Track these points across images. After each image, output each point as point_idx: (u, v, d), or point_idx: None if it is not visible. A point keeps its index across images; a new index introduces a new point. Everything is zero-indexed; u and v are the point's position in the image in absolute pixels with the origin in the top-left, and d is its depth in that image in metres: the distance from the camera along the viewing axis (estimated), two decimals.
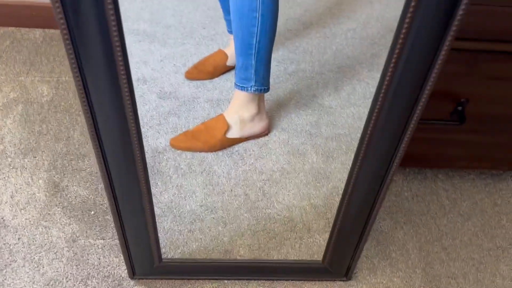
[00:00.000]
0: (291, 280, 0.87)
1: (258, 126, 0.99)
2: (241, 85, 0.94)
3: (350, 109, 1.18)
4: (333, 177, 1.04)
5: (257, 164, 1.04)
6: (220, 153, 1.04)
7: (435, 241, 0.94)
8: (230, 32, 1.07)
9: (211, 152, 1.00)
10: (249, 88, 0.93)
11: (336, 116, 1.15)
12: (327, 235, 0.88)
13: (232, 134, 1.00)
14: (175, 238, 0.91)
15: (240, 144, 1.06)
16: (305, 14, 1.29)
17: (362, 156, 0.65)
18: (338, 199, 0.77)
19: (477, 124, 0.84)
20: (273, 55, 1.01)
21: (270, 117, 1.08)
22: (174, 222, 0.93)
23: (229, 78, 1.16)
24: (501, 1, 0.63)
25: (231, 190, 0.99)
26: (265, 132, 1.02)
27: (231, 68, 1.17)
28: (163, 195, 0.97)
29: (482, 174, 1.06)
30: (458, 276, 0.90)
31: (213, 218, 0.94)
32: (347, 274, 0.86)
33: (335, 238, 0.79)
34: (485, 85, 0.75)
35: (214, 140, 0.99)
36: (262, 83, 0.93)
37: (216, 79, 1.17)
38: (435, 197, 1.01)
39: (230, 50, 1.15)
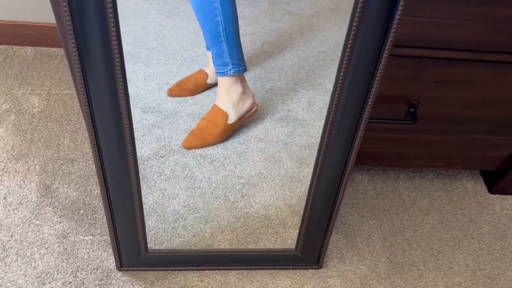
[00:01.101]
0: (268, 269, 0.94)
1: (247, 102, 1.08)
2: (221, 71, 1.01)
3: (322, 121, 1.26)
4: (305, 180, 1.12)
5: (236, 169, 1.12)
6: (201, 160, 1.12)
7: (398, 233, 1.03)
8: (209, 49, 1.17)
9: (221, 142, 1.10)
10: (228, 72, 1.00)
11: (309, 128, 1.25)
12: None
13: (231, 119, 1.07)
14: (160, 235, 0.98)
15: (220, 152, 1.14)
16: (280, 38, 1.38)
17: (323, 154, 0.75)
18: None
19: (429, 124, 0.95)
20: (251, 74, 1.11)
21: (249, 126, 1.17)
22: (158, 221, 1.00)
23: (210, 95, 1.24)
24: (440, 13, 0.75)
25: (212, 192, 1.07)
26: (255, 108, 1.10)
27: (211, 86, 1.26)
28: (148, 198, 1.03)
29: (439, 174, 1.17)
30: (419, 263, 0.99)
31: (195, 217, 1.02)
32: (318, 262, 0.94)
33: (305, 227, 0.87)
34: (432, 88, 0.86)
35: (220, 130, 1.08)
36: (238, 64, 1.01)
37: (198, 95, 1.25)
38: (397, 195, 1.11)
39: (210, 69, 1.24)
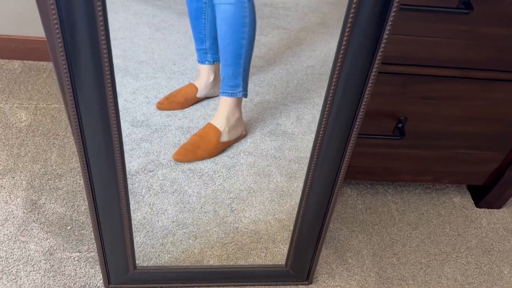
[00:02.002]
0: (258, 285, 0.94)
1: (239, 129, 1.12)
2: (230, 92, 1.04)
3: (311, 135, 1.28)
4: (295, 194, 1.13)
5: (225, 184, 1.12)
6: (190, 174, 1.11)
7: (387, 247, 1.04)
8: (201, 62, 1.17)
9: (211, 158, 1.11)
10: (238, 93, 1.04)
11: (298, 142, 1.26)
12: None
13: (223, 138, 1.10)
14: (148, 251, 0.97)
15: (209, 166, 1.14)
16: (269, 52, 1.40)
17: (313, 170, 0.75)
18: None
19: (416, 140, 0.96)
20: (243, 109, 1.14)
21: (239, 142, 1.17)
22: (146, 237, 0.99)
23: (199, 108, 1.25)
24: (425, 31, 0.76)
25: (201, 207, 1.06)
26: (244, 134, 1.13)
27: (200, 100, 1.27)
28: (136, 213, 1.03)
29: (427, 189, 1.18)
30: (408, 278, 0.99)
31: (184, 232, 1.01)
32: (308, 277, 0.94)
33: (295, 242, 0.87)
34: (419, 104, 0.88)
35: (212, 146, 1.09)
36: (245, 88, 1.05)
37: (187, 109, 1.25)
38: (386, 209, 1.12)
39: (200, 82, 1.25)
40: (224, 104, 1.10)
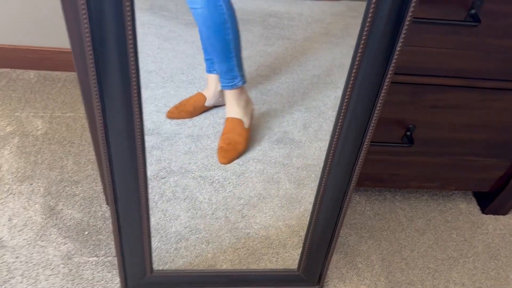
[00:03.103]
0: None
1: (249, 108, 1.14)
2: (230, 84, 1.08)
3: (318, 143, 1.31)
4: (304, 201, 1.15)
5: (235, 190, 1.14)
6: (201, 181, 1.14)
7: (395, 252, 1.06)
8: (210, 71, 1.20)
9: (247, 147, 1.14)
10: (238, 83, 1.07)
11: (306, 149, 1.28)
12: (300, 250, 0.98)
13: (246, 124, 1.14)
14: (163, 256, 0.99)
15: (220, 173, 1.16)
16: (275, 62, 1.43)
17: (326, 177, 0.78)
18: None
19: (424, 147, 0.99)
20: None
21: (248, 149, 1.21)
22: (161, 242, 1.01)
23: (208, 117, 1.28)
24: (433, 43, 0.79)
25: (213, 213, 1.09)
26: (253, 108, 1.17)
27: (209, 108, 1.30)
28: (150, 219, 1.05)
29: (434, 196, 1.20)
30: (417, 282, 1.01)
31: (197, 237, 1.03)
32: (319, 282, 0.96)
33: (307, 247, 0.90)
34: (427, 113, 0.91)
35: (244, 136, 1.14)
36: (243, 76, 1.08)
37: (196, 117, 1.29)
38: (394, 215, 1.14)
39: (208, 92, 1.28)
40: (229, 96, 1.13)
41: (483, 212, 1.18)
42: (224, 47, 1.02)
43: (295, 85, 1.43)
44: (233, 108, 1.14)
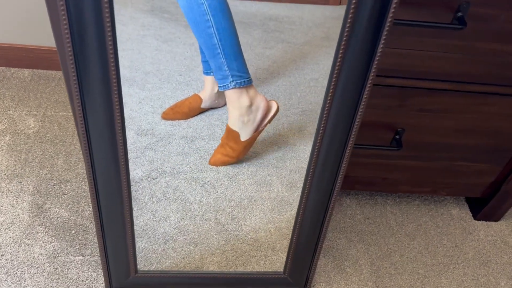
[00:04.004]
0: None
1: (259, 113, 1.05)
2: (222, 85, 0.99)
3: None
4: (295, 204, 1.14)
5: (227, 192, 1.14)
6: (193, 182, 1.14)
7: (384, 257, 1.05)
8: (206, 73, 1.20)
9: (241, 158, 1.10)
10: (229, 85, 0.98)
11: (300, 152, 1.28)
12: None
13: (245, 136, 1.07)
14: (149, 256, 0.99)
15: (212, 175, 1.16)
16: (273, 65, 1.43)
17: (310, 179, 0.78)
18: None
19: (413, 151, 0.98)
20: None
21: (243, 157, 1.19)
22: (148, 243, 1.01)
23: (203, 119, 1.28)
24: (420, 45, 0.79)
25: (203, 215, 1.08)
26: (272, 112, 1.07)
27: (205, 110, 1.29)
28: (139, 219, 1.05)
29: (425, 200, 1.20)
30: None
31: (185, 239, 1.03)
32: (306, 285, 0.95)
33: (293, 249, 0.89)
34: (416, 116, 0.90)
35: (237, 150, 1.09)
36: (240, 76, 0.98)
37: (191, 119, 1.28)
38: (384, 220, 1.13)
39: (205, 93, 1.27)
40: (227, 98, 1.05)
41: (474, 218, 1.17)
42: (207, 41, 0.94)
43: (293, 88, 1.43)
44: (231, 114, 1.08)
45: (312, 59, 1.44)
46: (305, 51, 1.41)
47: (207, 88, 1.23)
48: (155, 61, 1.40)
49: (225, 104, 1.20)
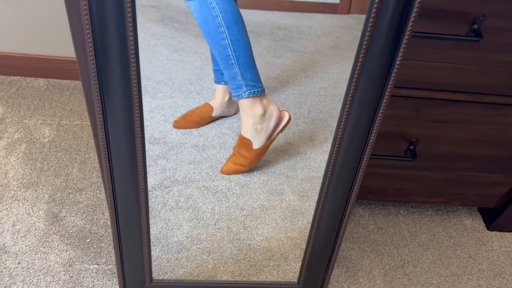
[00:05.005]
0: None
1: (272, 121, 1.07)
2: (236, 94, 1.01)
3: (323, 155, 1.31)
4: (307, 213, 1.15)
5: (239, 201, 1.15)
6: (205, 191, 1.14)
7: (398, 268, 1.05)
8: (218, 82, 1.21)
9: (253, 167, 1.12)
10: (243, 94, 1.01)
11: (311, 161, 1.28)
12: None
13: (258, 144, 1.09)
14: (163, 265, 0.99)
15: (223, 184, 1.17)
16: (282, 74, 1.44)
17: (326, 189, 0.78)
18: None
19: (427, 162, 0.98)
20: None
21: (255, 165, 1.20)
22: (162, 251, 1.01)
23: (214, 127, 1.29)
24: (436, 57, 0.79)
25: (215, 223, 1.09)
26: (285, 121, 1.09)
27: (216, 119, 1.30)
28: (152, 228, 1.06)
29: (438, 210, 1.19)
30: None
31: (198, 248, 1.03)
32: None
33: (307, 260, 0.89)
34: (430, 127, 0.90)
35: (250, 158, 1.11)
36: (253, 86, 1.01)
37: (202, 128, 1.29)
38: (398, 230, 1.13)
39: (215, 102, 1.28)
40: (240, 107, 1.08)
41: (488, 229, 1.16)
42: (221, 52, 0.96)
43: (302, 97, 1.44)
44: (244, 123, 1.11)
45: (321, 68, 1.45)
46: (314, 60, 1.42)
47: (218, 97, 1.24)
48: (166, 70, 1.42)
49: (235, 113, 1.21)
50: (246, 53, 0.99)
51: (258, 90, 1.04)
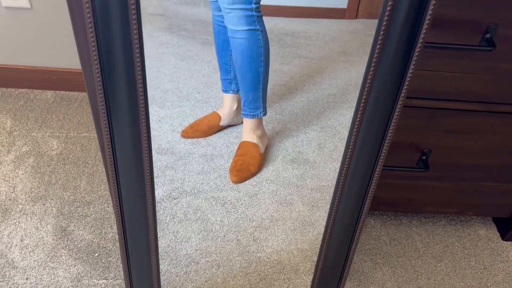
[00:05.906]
0: None
1: (265, 140, 1.21)
2: (252, 114, 1.15)
3: (332, 164, 1.29)
4: (317, 224, 1.13)
5: (248, 212, 1.13)
6: (213, 202, 1.13)
7: (411, 280, 1.03)
8: (226, 91, 1.21)
9: (261, 170, 1.19)
10: (259, 114, 1.16)
11: (320, 170, 1.27)
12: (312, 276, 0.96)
13: (261, 149, 1.20)
14: (172, 279, 0.98)
15: (232, 194, 1.16)
16: (291, 81, 1.43)
17: (338, 201, 0.76)
18: None
19: (440, 172, 0.96)
20: (263, 118, 1.19)
21: (261, 170, 1.21)
22: (171, 265, 1.00)
23: (222, 136, 1.28)
24: (447, 67, 0.78)
25: (224, 236, 1.08)
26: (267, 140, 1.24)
27: (223, 128, 1.30)
28: (161, 241, 1.05)
29: (452, 221, 1.17)
30: None
31: (207, 261, 1.02)
32: None
33: (319, 274, 0.88)
34: (442, 137, 0.89)
35: (258, 159, 1.18)
36: (264, 107, 1.16)
37: (210, 137, 1.29)
38: (410, 241, 1.11)
39: (223, 111, 1.28)
40: (248, 124, 1.18)
41: (503, 239, 1.13)
42: (254, 78, 1.08)
43: (311, 104, 1.43)
44: (249, 135, 1.19)
45: (329, 74, 1.44)
46: (322, 66, 1.41)
47: (226, 105, 1.23)
48: (173, 79, 1.41)
49: (243, 122, 1.20)
50: (267, 80, 1.12)
51: (265, 112, 1.18)
